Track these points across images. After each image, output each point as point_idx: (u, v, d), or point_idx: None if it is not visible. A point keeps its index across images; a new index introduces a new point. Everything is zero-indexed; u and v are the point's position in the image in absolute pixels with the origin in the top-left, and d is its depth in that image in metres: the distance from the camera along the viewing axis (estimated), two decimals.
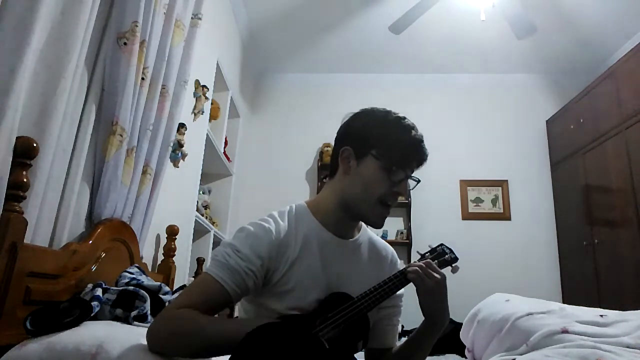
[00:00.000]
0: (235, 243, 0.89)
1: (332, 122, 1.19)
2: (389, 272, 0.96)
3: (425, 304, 0.92)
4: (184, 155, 2.20)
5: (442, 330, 0.95)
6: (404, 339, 1.06)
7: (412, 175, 0.98)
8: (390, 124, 0.97)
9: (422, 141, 0.98)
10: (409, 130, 0.96)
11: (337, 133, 1.03)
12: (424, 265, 0.91)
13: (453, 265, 0.99)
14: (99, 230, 1.35)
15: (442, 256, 1.00)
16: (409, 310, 1.17)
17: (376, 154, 0.94)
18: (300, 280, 0.90)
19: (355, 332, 0.90)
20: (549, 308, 1.36)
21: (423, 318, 0.96)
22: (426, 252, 1.02)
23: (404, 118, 0.99)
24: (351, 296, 0.90)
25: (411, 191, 1.01)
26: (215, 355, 0.82)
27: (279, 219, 0.95)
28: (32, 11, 1.02)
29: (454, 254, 1.01)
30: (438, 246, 1.02)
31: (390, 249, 1.11)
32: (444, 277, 0.91)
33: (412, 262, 1.01)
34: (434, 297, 0.91)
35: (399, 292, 1.07)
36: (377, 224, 0.98)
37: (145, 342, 0.84)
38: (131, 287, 1.21)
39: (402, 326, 1.15)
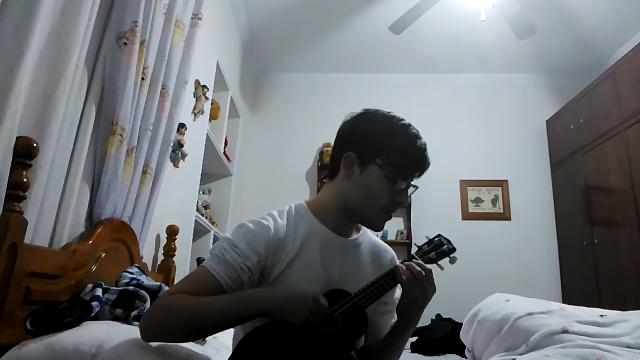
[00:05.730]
0: (232, 238, 0.90)
1: (332, 122, 1.19)
2: None
3: (403, 308, 0.93)
4: (184, 155, 2.20)
5: (411, 333, 0.97)
6: None
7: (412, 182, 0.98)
8: (396, 133, 0.95)
9: (426, 150, 0.97)
10: (414, 139, 0.96)
11: (338, 134, 1.02)
12: (421, 272, 0.88)
13: (451, 256, 0.98)
14: (99, 230, 1.35)
15: (440, 247, 0.98)
16: None
17: (381, 163, 0.94)
18: (299, 278, 0.90)
19: (354, 329, 0.90)
20: (549, 308, 1.36)
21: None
22: (423, 244, 1.00)
23: (409, 125, 0.97)
24: (349, 292, 0.90)
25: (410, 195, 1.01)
26: (209, 332, 0.83)
27: (277, 218, 0.96)
28: (32, 11, 1.02)
29: (451, 244, 0.99)
30: (435, 237, 1.01)
31: (391, 250, 1.11)
32: (434, 290, 0.91)
33: (410, 254, 0.99)
34: (415, 305, 0.91)
35: (396, 295, 1.07)
36: (379, 228, 1.00)
37: (145, 342, 0.84)
38: (131, 287, 1.22)
39: None
